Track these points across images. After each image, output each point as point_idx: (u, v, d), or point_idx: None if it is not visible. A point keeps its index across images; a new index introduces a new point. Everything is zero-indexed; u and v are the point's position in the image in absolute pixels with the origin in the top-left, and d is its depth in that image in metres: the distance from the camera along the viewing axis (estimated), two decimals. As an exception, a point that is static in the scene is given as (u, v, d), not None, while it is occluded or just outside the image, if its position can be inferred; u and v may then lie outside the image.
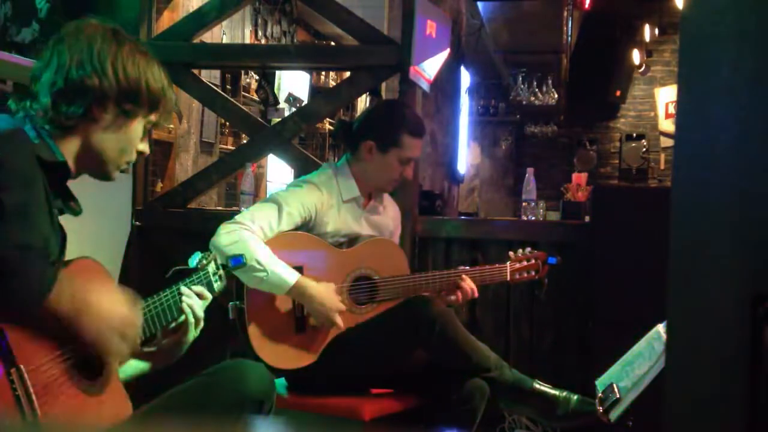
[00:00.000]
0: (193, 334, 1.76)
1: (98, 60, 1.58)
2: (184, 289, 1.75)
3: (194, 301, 1.76)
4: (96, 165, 1.65)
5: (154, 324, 1.68)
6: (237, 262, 1.99)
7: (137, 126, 1.66)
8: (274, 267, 2.39)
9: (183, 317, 1.75)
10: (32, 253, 1.40)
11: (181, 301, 1.74)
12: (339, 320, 2.45)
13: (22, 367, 1.36)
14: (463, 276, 2.60)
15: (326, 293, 2.44)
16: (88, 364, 1.53)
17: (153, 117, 1.68)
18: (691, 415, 0.87)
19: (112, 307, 1.49)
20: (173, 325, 1.76)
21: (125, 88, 1.60)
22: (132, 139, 1.66)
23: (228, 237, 2.39)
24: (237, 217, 2.46)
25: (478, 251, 3.42)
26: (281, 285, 2.40)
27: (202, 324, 1.78)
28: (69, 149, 1.60)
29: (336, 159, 2.90)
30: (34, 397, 1.37)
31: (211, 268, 1.86)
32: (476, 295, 2.62)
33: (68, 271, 1.54)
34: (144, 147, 1.71)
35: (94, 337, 1.47)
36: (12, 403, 1.34)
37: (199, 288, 1.79)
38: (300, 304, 2.48)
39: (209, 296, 1.82)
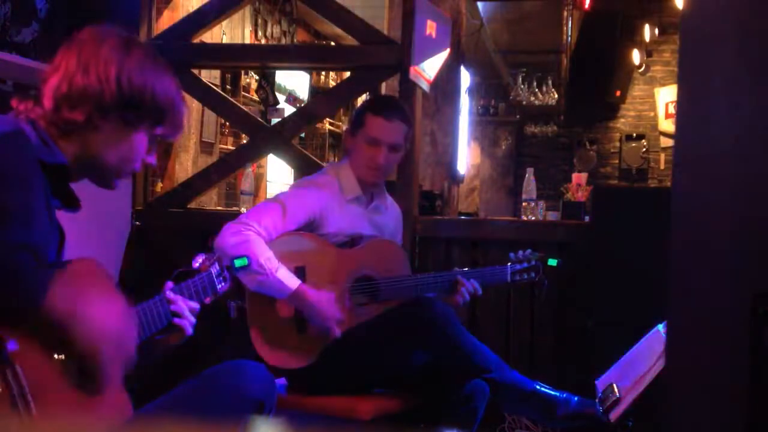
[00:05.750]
0: (183, 336, 1.74)
1: (104, 67, 1.57)
2: (170, 295, 1.72)
3: (183, 307, 1.73)
4: (95, 172, 1.63)
5: (144, 332, 1.64)
6: (241, 264, 1.98)
7: (140, 137, 1.63)
8: (277, 271, 2.38)
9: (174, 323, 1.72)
10: (30, 256, 1.39)
11: (170, 309, 1.71)
12: (337, 330, 2.44)
13: (17, 366, 1.35)
14: (459, 278, 2.59)
15: (325, 302, 2.43)
16: (88, 363, 1.52)
17: (159, 130, 1.65)
18: (691, 414, 0.87)
19: (107, 319, 1.45)
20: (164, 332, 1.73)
21: (128, 97, 1.58)
22: (133, 149, 1.63)
23: (233, 238, 2.38)
24: (241, 217, 2.45)
25: (478, 251, 3.42)
26: (281, 290, 2.40)
27: (191, 330, 1.74)
28: (69, 152, 1.59)
29: (336, 159, 2.89)
30: (29, 397, 1.35)
31: (214, 269, 1.84)
32: (479, 292, 2.62)
33: (67, 272, 1.53)
34: (152, 160, 1.69)
35: (87, 348, 1.43)
36: (7, 403, 1.32)
37: (190, 292, 1.76)
38: None
39: (199, 303, 1.78)
